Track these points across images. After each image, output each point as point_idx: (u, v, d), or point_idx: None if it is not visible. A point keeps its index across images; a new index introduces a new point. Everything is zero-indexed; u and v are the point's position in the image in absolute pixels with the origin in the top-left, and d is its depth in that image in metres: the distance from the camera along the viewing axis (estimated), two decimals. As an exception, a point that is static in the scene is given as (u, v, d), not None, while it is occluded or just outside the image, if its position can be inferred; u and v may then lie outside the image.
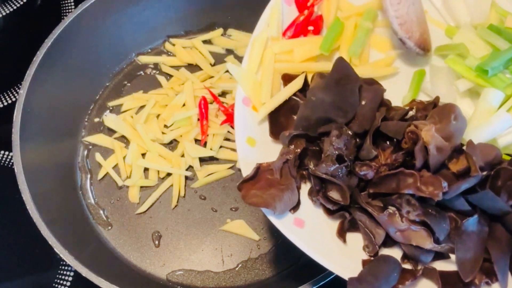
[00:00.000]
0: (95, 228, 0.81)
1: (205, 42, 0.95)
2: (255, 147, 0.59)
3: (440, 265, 0.53)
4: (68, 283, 0.78)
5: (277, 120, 0.60)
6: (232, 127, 0.85)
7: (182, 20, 0.95)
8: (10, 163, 0.88)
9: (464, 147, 0.53)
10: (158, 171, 0.83)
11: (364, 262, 0.53)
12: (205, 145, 0.84)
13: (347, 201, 0.53)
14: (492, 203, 0.51)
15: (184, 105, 0.87)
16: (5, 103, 0.94)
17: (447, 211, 0.52)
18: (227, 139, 0.85)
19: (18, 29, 1.02)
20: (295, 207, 0.55)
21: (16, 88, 0.95)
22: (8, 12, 1.04)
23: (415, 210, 0.50)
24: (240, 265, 0.77)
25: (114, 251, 0.79)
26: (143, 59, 0.94)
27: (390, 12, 0.59)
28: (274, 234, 0.79)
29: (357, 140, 0.56)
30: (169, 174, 0.83)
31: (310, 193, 0.56)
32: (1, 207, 0.84)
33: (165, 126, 0.86)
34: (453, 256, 0.53)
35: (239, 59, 0.93)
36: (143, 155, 0.84)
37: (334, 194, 0.54)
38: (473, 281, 0.51)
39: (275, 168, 0.55)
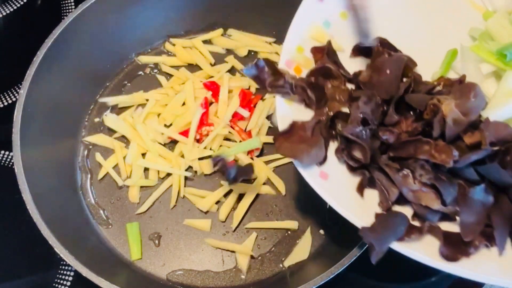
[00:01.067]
0: (95, 228, 0.81)
1: (205, 42, 0.95)
2: (292, 106, 0.63)
3: (445, 226, 0.58)
4: (68, 283, 0.78)
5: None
6: (233, 128, 0.85)
7: (182, 20, 0.95)
8: (10, 163, 0.88)
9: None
10: (158, 171, 0.83)
11: (377, 215, 0.59)
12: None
13: (368, 161, 0.58)
14: (499, 176, 0.55)
15: (184, 104, 0.87)
16: (5, 103, 0.94)
17: (458, 178, 0.57)
18: (227, 139, 0.85)
19: (18, 29, 1.02)
20: (322, 162, 0.61)
21: (16, 88, 0.95)
22: (8, 12, 1.04)
23: (427, 174, 0.56)
24: (240, 265, 0.78)
25: (114, 250, 0.79)
26: (143, 59, 0.94)
27: None
28: (274, 234, 0.80)
29: (385, 108, 0.61)
30: (169, 174, 0.83)
31: (337, 151, 0.62)
32: (1, 207, 0.84)
33: (165, 126, 0.86)
34: (458, 219, 0.58)
35: (239, 59, 0.93)
36: (143, 155, 0.84)
37: (357, 153, 0.59)
38: (473, 241, 0.55)
39: (308, 126, 0.61)
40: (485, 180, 0.56)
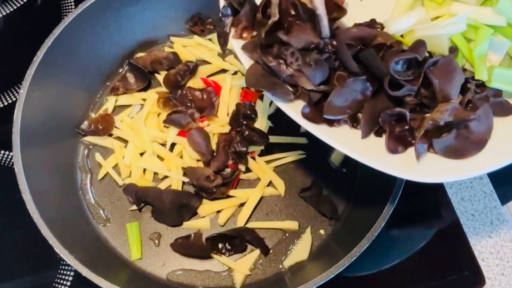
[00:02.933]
0: (95, 228, 0.81)
1: (205, 42, 0.95)
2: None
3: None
4: (68, 283, 0.78)
5: None
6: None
7: (182, 19, 0.95)
8: (10, 163, 0.88)
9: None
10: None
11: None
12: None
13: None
14: (374, 62, 0.59)
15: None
16: (5, 103, 0.94)
17: (342, 70, 0.62)
18: (227, 139, 0.85)
19: (18, 29, 1.02)
20: None
21: (16, 88, 0.95)
22: (8, 12, 1.04)
23: (297, 61, 0.60)
24: (240, 265, 0.77)
25: (114, 250, 0.79)
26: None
27: None
28: (275, 234, 0.80)
29: None
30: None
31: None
32: (1, 207, 0.84)
33: (165, 126, 0.86)
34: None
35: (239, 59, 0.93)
36: (143, 154, 0.84)
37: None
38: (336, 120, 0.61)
39: None
40: (369, 74, 0.60)
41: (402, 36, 0.63)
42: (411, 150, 0.60)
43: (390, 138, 0.60)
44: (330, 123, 0.61)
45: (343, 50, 0.60)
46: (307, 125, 0.60)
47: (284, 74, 0.61)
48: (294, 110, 0.61)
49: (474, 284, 0.79)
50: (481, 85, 0.62)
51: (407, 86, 0.58)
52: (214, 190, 0.78)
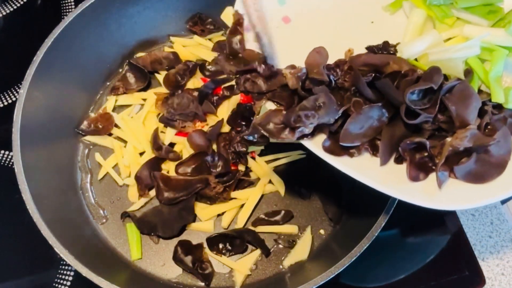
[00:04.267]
0: (95, 228, 0.81)
1: (205, 42, 0.95)
2: None
3: None
4: (68, 283, 0.78)
5: None
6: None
7: (182, 19, 0.95)
8: (10, 163, 0.88)
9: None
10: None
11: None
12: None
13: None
14: (390, 91, 0.59)
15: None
16: (5, 103, 0.94)
17: (358, 97, 0.61)
18: (227, 139, 0.85)
19: (18, 29, 1.03)
20: None
21: (16, 88, 0.95)
22: (8, 12, 1.04)
23: (313, 118, 0.59)
24: (240, 265, 0.77)
25: (114, 250, 0.79)
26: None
27: (250, 6, 0.63)
28: (275, 234, 0.80)
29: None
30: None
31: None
32: (1, 207, 0.84)
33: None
34: None
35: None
36: (142, 154, 0.84)
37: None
38: (357, 147, 0.61)
39: None
40: (384, 100, 0.60)
41: (416, 59, 0.63)
42: (431, 177, 0.59)
43: (411, 166, 0.59)
44: (351, 153, 0.60)
45: (358, 78, 0.59)
46: (328, 159, 0.60)
47: (309, 131, 0.60)
48: (314, 143, 0.61)
49: (474, 284, 0.79)
50: (498, 106, 0.61)
51: (423, 114, 0.58)
52: (217, 196, 0.79)
